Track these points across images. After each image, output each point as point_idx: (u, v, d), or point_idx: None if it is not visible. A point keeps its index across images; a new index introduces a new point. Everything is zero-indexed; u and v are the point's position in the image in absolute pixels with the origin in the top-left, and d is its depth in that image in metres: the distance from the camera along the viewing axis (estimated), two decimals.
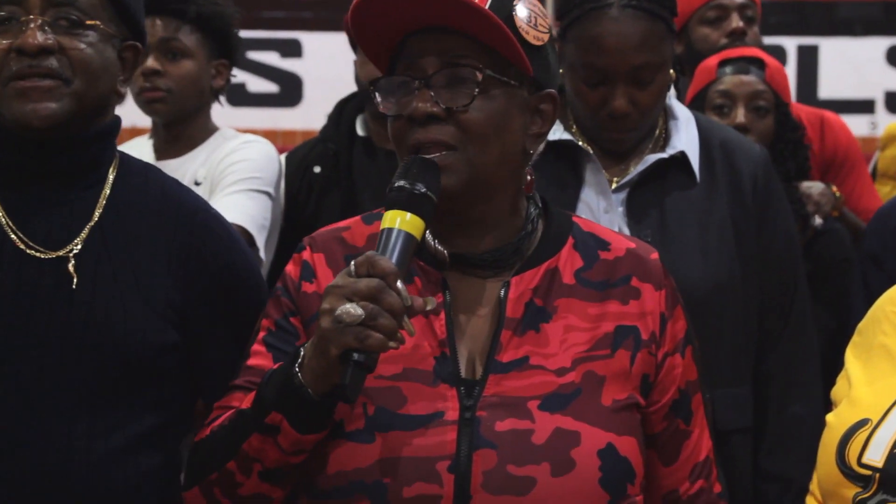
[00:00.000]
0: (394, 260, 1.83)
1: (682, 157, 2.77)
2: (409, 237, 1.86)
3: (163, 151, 3.58)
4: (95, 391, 2.07)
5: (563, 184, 2.73)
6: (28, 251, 2.09)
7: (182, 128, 3.54)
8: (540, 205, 2.05)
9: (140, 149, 3.65)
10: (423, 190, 1.88)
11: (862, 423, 2.01)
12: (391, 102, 1.96)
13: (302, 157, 3.83)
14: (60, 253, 2.10)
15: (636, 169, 2.75)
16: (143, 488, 2.10)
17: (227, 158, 3.44)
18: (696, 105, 3.67)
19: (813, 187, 3.72)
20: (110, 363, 2.07)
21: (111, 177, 2.17)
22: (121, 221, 2.14)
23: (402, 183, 1.88)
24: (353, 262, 1.83)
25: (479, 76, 1.91)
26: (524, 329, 1.95)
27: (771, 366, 2.83)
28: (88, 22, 2.09)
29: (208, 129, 3.58)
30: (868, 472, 1.96)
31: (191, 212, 2.19)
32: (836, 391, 2.17)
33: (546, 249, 2.01)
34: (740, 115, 3.61)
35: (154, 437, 2.11)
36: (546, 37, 1.98)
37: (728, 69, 3.68)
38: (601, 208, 2.73)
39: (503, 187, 1.98)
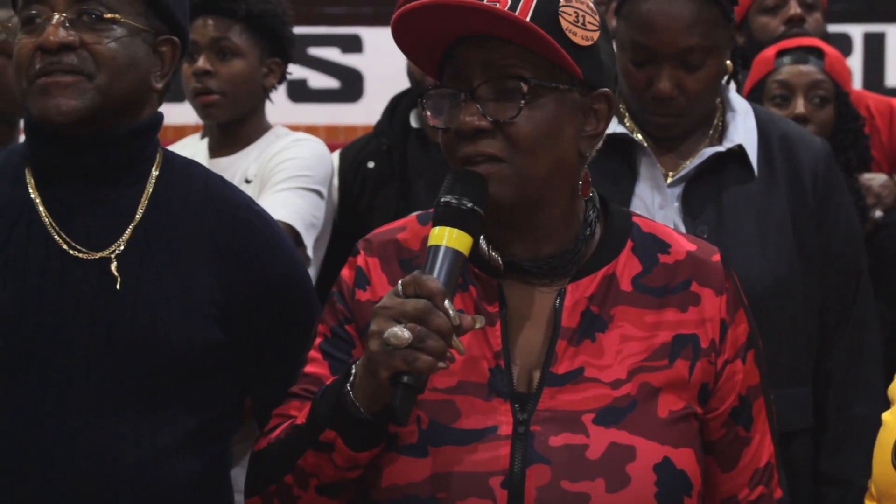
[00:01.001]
0: (441, 278, 1.80)
1: (739, 151, 2.71)
2: (456, 254, 1.83)
3: (216, 149, 3.58)
4: (141, 391, 2.06)
5: (618, 178, 2.69)
6: (71, 251, 2.08)
7: (236, 126, 3.54)
8: (598, 206, 2.01)
9: (194, 147, 3.65)
10: (470, 205, 1.84)
11: None
12: (440, 115, 1.92)
13: (356, 152, 3.81)
14: (104, 254, 2.08)
15: (692, 163, 2.70)
16: (190, 486, 2.09)
17: (278, 156, 3.43)
18: (755, 96, 3.60)
19: (874, 179, 3.64)
20: (155, 363, 2.06)
21: (154, 174, 2.15)
22: (163, 219, 2.12)
23: (448, 198, 1.85)
24: (400, 282, 1.80)
25: (525, 87, 1.87)
26: (580, 338, 1.92)
27: (832, 365, 2.76)
28: (111, 16, 2.07)
29: (262, 128, 3.57)
30: None
31: (233, 208, 2.17)
32: (893, 388, 2.12)
33: (604, 254, 1.97)
34: (800, 105, 3.53)
35: (201, 435, 2.10)
36: (595, 35, 1.92)
37: (786, 59, 3.61)
38: (656, 203, 2.68)
39: (557, 194, 1.94)
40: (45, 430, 2.03)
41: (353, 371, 1.85)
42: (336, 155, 3.75)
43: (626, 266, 1.96)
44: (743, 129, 2.73)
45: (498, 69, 1.88)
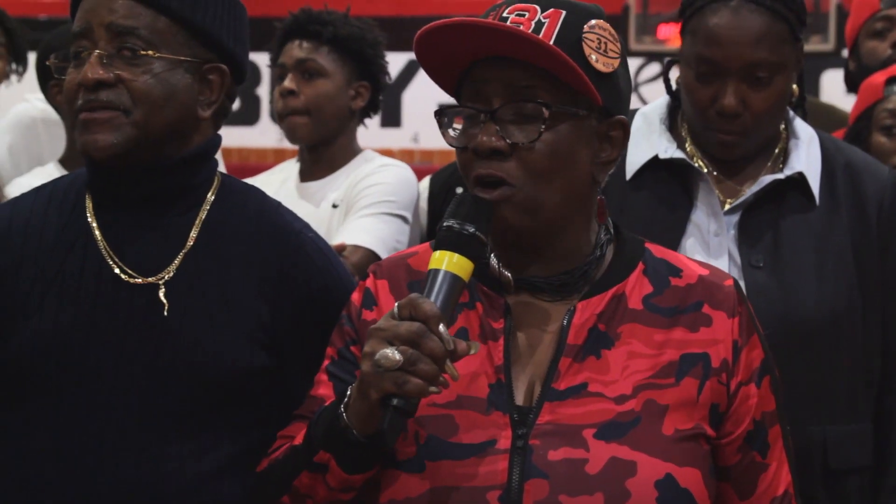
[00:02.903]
0: (438, 302, 1.81)
1: (800, 179, 2.64)
2: (455, 279, 1.83)
3: (306, 174, 3.63)
4: (187, 414, 2.09)
5: (674, 204, 2.64)
6: (122, 276, 2.13)
7: (324, 150, 3.59)
8: (612, 230, 2.00)
9: (287, 171, 3.70)
10: (472, 230, 1.84)
11: None
12: (458, 133, 1.93)
13: (446, 177, 3.83)
14: (152, 280, 2.13)
15: (750, 190, 2.64)
16: None
17: (363, 182, 3.48)
18: (862, 124, 3.49)
19: None
20: (201, 388, 2.09)
21: (210, 198, 2.19)
22: (215, 244, 2.15)
23: (451, 223, 1.85)
24: (396, 304, 1.81)
25: (547, 113, 1.87)
26: (585, 355, 1.91)
27: (893, 400, 2.66)
28: (146, 53, 2.10)
29: (351, 152, 3.62)
30: None
31: (285, 234, 2.19)
32: None
33: (615, 275, 1.96)
34: None
35: (246, 459, 2.11)
36: (616, 62, 1.93)
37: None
38: (711, 231, 2.62)
39: (571, 219, 1.94)
40: (90, 453, 2.07)
41: (349, 393, 1.85)
42: (427, 180, 3.77)
43: (637, 286, 1.95)
44: (805, 156, 2.66)
45: (519, 91, 1.89)
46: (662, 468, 1.85)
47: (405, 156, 6.72)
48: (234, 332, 2.11)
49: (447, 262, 1.83)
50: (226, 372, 2.10)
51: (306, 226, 2.25)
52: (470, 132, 1.91)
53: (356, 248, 3.32)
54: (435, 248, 1.85)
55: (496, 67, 1.90)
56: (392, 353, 1.76)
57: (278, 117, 3.59)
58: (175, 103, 2.13)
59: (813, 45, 6.46)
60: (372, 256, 3.30)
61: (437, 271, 1.83)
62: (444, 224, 1.86)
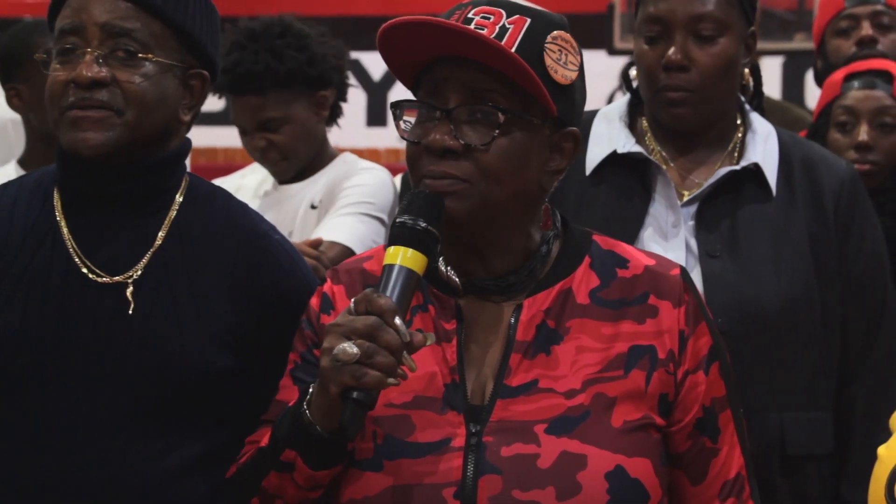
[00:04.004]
0: (394, 297, 1.83)
1: (756, 171, 2.68)
2: (409, 273, 1.86)
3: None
4: (152, 414, 2.10)
5: (632, 197, 2.68)
6: (90, 275, 2.14)
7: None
8: (559, 225, 2.02)
9: (262, 172, 3.70)
10: (424, 226, 1.87)
11: None
12: (411, 127, 1.96)
13: None
14: (119, 278, 2.14)
15: (707, 182, 2.68)
16: None
17: (343, 183, 3.48)
18: (821, 121, 3.52)
19: None
20: (167, 387, 2.10)
21: (178, 199, 2.21)
22: (183, 245, 2.17)
23: (403, 218, 1.88)
24: (352, 301, 1.84)
25: (502, 118, 1.90)
26: (535, 352, 1.93)
27: (855, 392, 2.70)
28: (143, 55, 2.12)
29: (328, 155, 3.62)
30: None
31: (252, 236, 2.21)
32: (893, 421, 2.09)
33: (560, 270, 1.99)
34: (862, 132, 3.42)
35: (211, 459, 2.13)
36: (574, 75, 1.95)
37: (853, 84, 3.51)
38: (669, 222, 2.66)
39: (515, 221, 1.96)
40: (56, 450, 2.08)
41: (310, 390, 1.88)
42: (398, 179, 3.78)
43: (583, 280, 1.98)
44: (762, 149, 2.70)
45: (477, 94, 1.91)
46: (612, 460, 1.88)
47: (391, 155, 6.73)
48: (200, 333, 2.12)
49: (401, 257, 1.86)
50: (192, 372, 2.11)
51: (273, 228, 2.27)
52: (423, 127, 1.93)
53: (333, 243, 3.33)
54: (388, 245, 1.88)
55: (456, 67, 1.92)
56: (349, 347, 1.79)
57: (257, 161, 3.59)
58: (164, 107, 2.14)
59: (798, 43, 6.50)
60: (348, 253, 3.30)
61: (391, 266, 1.86)
62: (397, 220, 1.88)
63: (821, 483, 2.67)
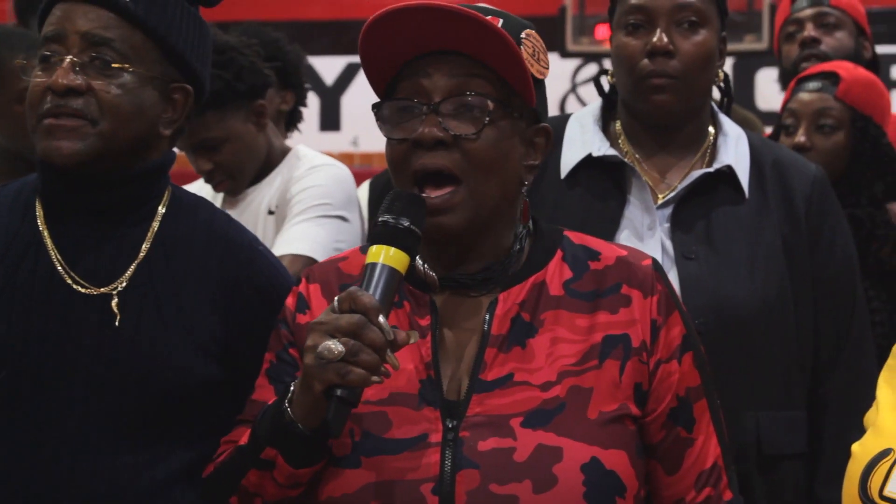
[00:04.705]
0: (377, 295, 1.84)
1: (729, 173, 2.70)
2: (392, 272, 1.87)
3: None
4: (139, 424, 2.11)
5: (607, 200, 2.69)
6: (74, 286, 2.13)
7: None
8: (530, 224, 2.04)
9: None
10: (407, 224, 1.88)
11: (885, 452, 1.93)
12: (394, 126, 1.96)
13: (386, 181, 3.81)
14: (105, 290, 2.13)
15: (681, 184, 2.70)
16: None
17: (295, 187, 3.43)
18: (778, 124, 3.59)
19: None
20: (154, 398, 2.11)
21: (161, 211, 2.20)
22: (167, 256, 2.17)
23: (386, 217, 1.89)
24: (336, 298, 1.84)
25: (491, 106, 1.92)
26: (510, 346, 1.95)
27: (828, 391, 2.72)
28: (118, 66, 2.11)
29: (280, 152, 3.56)
30: None
31: (236, 247, 2.21)
32: (867, 418, 2.10)
33: (533, 264, 2.01)
34: (800, 134, 3.48)
35: (198, 469, 2.12)
36: (546, 72, 1.99)
37: (800, 87, 3.57)
38: (645, 225, 2.67)
39: (501, 219, 1.98)
40: (43, 461, 2.08)
41: (292, 388, 1.89)
42: (366, 185, 3.76)
43: (556, 273, 2.00)
44: (734, 152, 2.73)
45: (462, 85, 1.93)
46: (588, 452, 1.89)
47: (344, 159, 6.70)
48: (186, 344, 2.13)
49: (384, 255, 1.87)
50: (178, 383, 2.11)
51: (255, 239, 2.28)
52: (407, 125, 1.94)
53: (295, 257, 3.26)
54: (371, 243, 1.89)
55: (437, 62, 1.94)
56: (334, 345, 1.79)
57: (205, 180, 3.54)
58: (141, 119, 2.13)
59: (747, 44, 6.54)
60: (311, 263, 3.26)
61: (374, 265, 1.87)
62: (380, 219, 1.90)
63: (796, 481, 2.69)
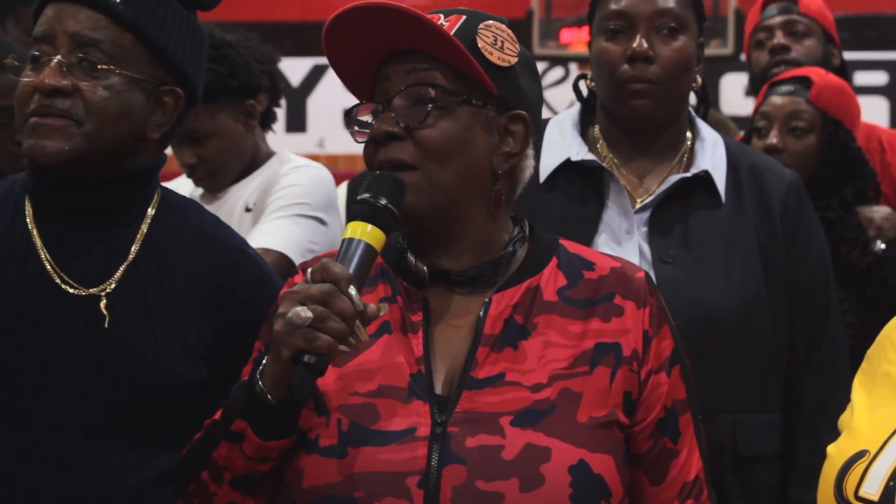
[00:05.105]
0: (351, 268, 1.87)
1: (706, 178, 2.73)
2: (367, 247, 1.90)
3: None
4: (127, 425, 2.10)
5: (586, 204, 2.72)
6: (63, 286, 2.13)
7: None
8: (526, 229, 2.07)
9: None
10: (385, 203, 1.91)
11: (860, 454, 1.94)
12: (362, 129, 2.01)
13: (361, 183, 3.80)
14: (94, 291, 2.13)
15: (659, 189, 2.73)
16: None
17: (275, 185, 3.43)
18: (751, 128, 3.63)
19: (876, 211, 3.61)
20: (142, 399, 2.11)
21: (150, 213, 2.20)
22: (156, 259, 2.17)
23: (365, 196, 1.92)
24: (309, 270, 1.87)
25: (433, 92, 1.95)
26: (502, 346, 1.96)
27: (802, 393, 2.76)
28: (105, 67, 2.10)
29: (263, 155, 3.56)
30: None
31: (226, 250, 2.22)
32: (842, 420, 2.12)
33: (529, 268, 2.03)
34: (772, 136, 3.52)
35: None
36: (513, 59, 2.01)
37: (773, 90, 3.61)
38: (623, 229, 2.70)
39: (472, 206, 2.00)
40: (30, 461, 2.08)
41: (264, 361, 1.90)
42: (343, 186, 3.76)
43: (551, 279, 2.02)
44: (711, 157, 2.76)
45: (414, 79, 1.97)
46: (576, 454, 1.90)
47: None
48: (174, 347, 2.13)
49: (360, 231, 1.90)
50: (166, 385, 2.11)
51: (244, 242, 2.28)
52: (371, 127, 1.99)
53: (266, 251, 3.25)
54: (349, 221, 1.92)
55: (397, 62, 1.99)
56: (302, 311, 1.81)
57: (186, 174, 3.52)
58: (127, 121, 2.13)
59: (712, 50, 6.60)
60: (282, 258, 3.25)
61: (350, 240, 1.90)
62: (359, 198, 1.93)
63: (770, 483, 2.73)
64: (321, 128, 7.69)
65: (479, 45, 1.98)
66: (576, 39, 7.02)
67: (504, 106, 2.00)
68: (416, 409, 1.93)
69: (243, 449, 1.92)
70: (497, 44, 2.00)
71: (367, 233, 1.90)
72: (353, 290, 1.84)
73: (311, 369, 1.83)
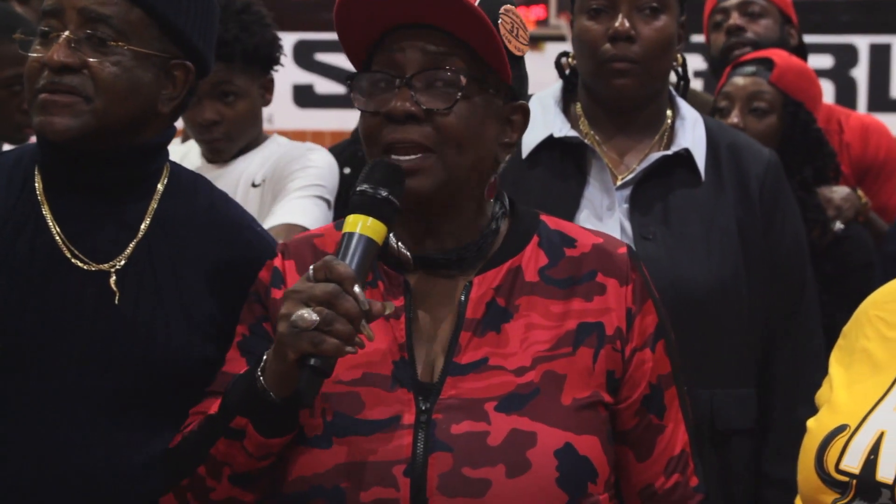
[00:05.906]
0: (353, 265, 1.83)
1: (686, 156, 2.75)
2: (369, 241, 1.86)
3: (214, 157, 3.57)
4: (136, 401, 2.09)
5: (567, 180, 2.73)
6: (73, 261, 2.11)
7: None
8: (506, 205, 2.04)
9: (183, 150, 3.65)
10: (385, 194, 1.87)
11: (840, 428, 1.97)
12: (368, 98, 1.94)
13: (339, 153, 3.82)
14: (104, 266, 2.12)
15: (640, 166, 2.74)
16: None
17: (293, 164, 3.44)
18: (713, 108, 3.67)
19: (836, 192, 3.66)
20: (150, 375, 2.09)
21: (160, 188, 2.19)
22: (166, 234, 2.15)
23: (364, 187, 1.87)
24: (311, 267, 1.83)
25: (464, 80, 1.90)
26: (484, 330, 1.94)
27: (777, 369, 2.79)
28: (114, 43, 2.08)
29: (262, 134, 3.57)
30: (845, 479, 1.92)
31: (236, 228, 2.21)
32: (820, 395, 2.14)
33: (509, 248, 2.00)
34: (733, 116, 3.57)
35: None
36: (526, 49, 1.98)
37: (736, 71, 3.66)
38: (604, 206, 2.71)
39: (471, 193, 1.98)
40: (39, 436, 2.06)
41: (265, 357, 1.87)
42: None
43: (532, 258, 1.99)
44: (691, 135, 2.77)
45: (436, 60, 1.92)
46: (561, 437, 1.89)
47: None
48: (183, 323, 2.12)
49: (361, 225, 1.86)
50: (174, 362, 2.10)
51: (253, 219, 2.27)
52: (381, 98, 1.93)
53: (292, 227, 3.26)
54: (349, 213, 1.88)
55: (412, 36, 1.92)
56: (308, 314, 1.78)
57: (195, 137, 3.51)
58: (137, 97, 2.11)
59: None
60: None
61: (351, 234, 1.85)
62: (358, 189, 1.88)
63: (745, 455, 2.76)
64: (271, 104, 7.67)
65: (501, 33, 1.93)
66: (543, 19, 7.02)
67: (512, 96, 1.97)
68: (400, 397, 1.91)
69: (244, 446, 1.90)
70: (514, 31, 1.96)
71: (368, 226, 1.85)
72: (357, 289, 1.80)
73: (318, 372, 1.80)
